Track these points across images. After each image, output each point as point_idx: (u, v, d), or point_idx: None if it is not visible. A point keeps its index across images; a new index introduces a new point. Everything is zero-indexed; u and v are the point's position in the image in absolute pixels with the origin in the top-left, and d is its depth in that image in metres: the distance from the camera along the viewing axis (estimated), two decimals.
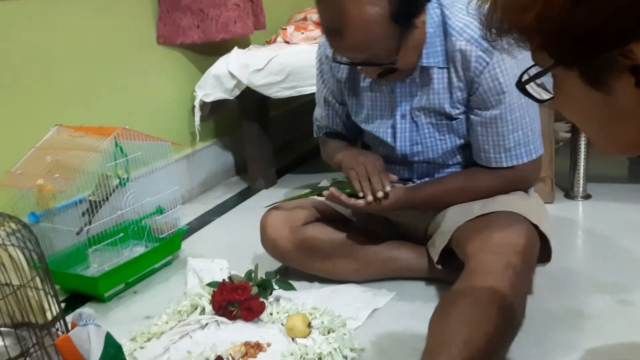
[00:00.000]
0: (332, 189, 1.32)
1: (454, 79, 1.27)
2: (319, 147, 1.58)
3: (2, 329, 1.12)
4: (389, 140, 1.38)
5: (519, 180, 1.33)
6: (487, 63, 1.22)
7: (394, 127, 1.37)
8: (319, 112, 1.56)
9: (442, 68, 1.27)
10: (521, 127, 1.28)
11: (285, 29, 2.32)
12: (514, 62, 1.21)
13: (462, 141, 1.34)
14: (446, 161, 1.38)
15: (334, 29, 1.15)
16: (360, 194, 1.30)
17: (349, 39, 1.14)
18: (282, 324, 1.29)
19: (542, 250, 1.23)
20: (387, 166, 1.37)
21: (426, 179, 1.40)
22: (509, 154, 1.29)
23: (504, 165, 1.30)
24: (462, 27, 1.23)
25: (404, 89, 1.32)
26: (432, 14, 1.24)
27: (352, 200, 1.31)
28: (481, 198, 1.31)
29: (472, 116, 1.30)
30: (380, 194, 1.28)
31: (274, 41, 2.36)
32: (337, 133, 1.55)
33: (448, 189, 1.34)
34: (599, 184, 1.97)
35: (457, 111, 1.30)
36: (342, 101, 1.48)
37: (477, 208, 1.29)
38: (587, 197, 1.93)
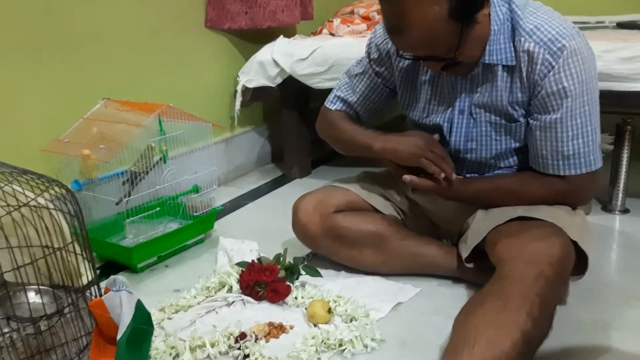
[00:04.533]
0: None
1: (517, 79, 1.25)
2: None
3: (41, 287, 1.16)
4: (444, 134, 1.37)
5: (570, 192, 1.29)
6: (553, 67, 1.20)
7: (450, 121, 1.35)
8: (344, 82, 1.53)
9: (505, 66, 1.26)
10: (582, 135, 1.24)
11: (332, 21, 2.34)
12: (582, 67, 1.20)
13: (517, 144, 1.32)
14: (498, 163, 1.36)
15: (395, 27, 1.16)
16: (442, 176, 1.30)
17: (409, 38, 1.15)
18: (305, 308, 1.30)
19: (577, 264, 1.21)
20: None
21: (475, 175, 1.40)
22: (567, 162, 1.26)
23: (562, 173, 1.27)
24: (533, 29, 1.21)
25: (464, 85, 1.32)
26: (498, 11, 1.23)
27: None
28: (528, 204, 1.29)
29: (531, 121, 1.28)
30: (454, 176, 1.31)
31: (320, 32, 2.38)
32: (352, 114, 1.52)
33: (497, 189, 1.34)
34: (638, 200, 1.93)
35: (517, 113, 1.28)
36: (387, 83, 1.47)
37: (520, 211, 1.27)
38: (625, 211, 1.89)
